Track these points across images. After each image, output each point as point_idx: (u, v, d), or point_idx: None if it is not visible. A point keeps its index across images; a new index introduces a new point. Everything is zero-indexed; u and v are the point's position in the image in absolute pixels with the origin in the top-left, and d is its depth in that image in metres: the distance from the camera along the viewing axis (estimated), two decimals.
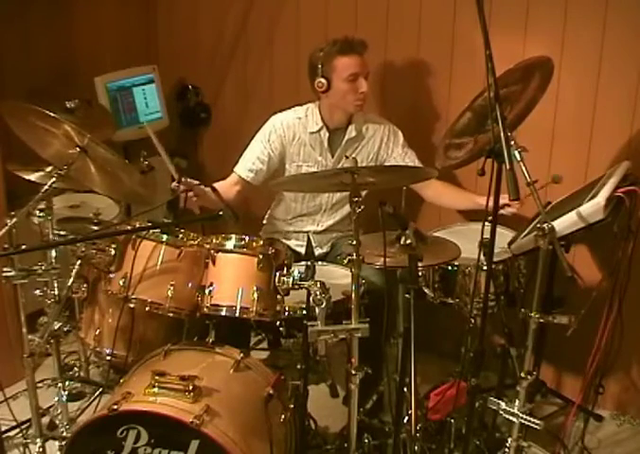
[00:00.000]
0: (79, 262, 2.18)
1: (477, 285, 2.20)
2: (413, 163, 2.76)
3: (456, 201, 2.81)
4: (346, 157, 2.60)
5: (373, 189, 2.65)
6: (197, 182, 2.48)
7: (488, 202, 1.85)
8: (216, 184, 2.60)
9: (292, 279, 2.06)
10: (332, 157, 2.72)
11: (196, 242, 2.18)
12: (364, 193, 2.66)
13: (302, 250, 2.76)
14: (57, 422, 2.36)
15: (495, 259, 2.02)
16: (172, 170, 2.39)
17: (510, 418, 1.99)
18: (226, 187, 2.68)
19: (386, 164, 2.75)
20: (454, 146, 2.31)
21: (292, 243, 2.80)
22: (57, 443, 2.32)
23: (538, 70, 2.17)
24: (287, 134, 2.69)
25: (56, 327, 2.14)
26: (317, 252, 2.81)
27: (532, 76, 2.16)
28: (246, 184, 2.72)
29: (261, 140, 2.70)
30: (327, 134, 2.69)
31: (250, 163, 2.70)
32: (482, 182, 1.86)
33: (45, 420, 2.46)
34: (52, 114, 1.99)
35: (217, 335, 2.17)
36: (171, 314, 2.15)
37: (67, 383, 2.39)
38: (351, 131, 2.70)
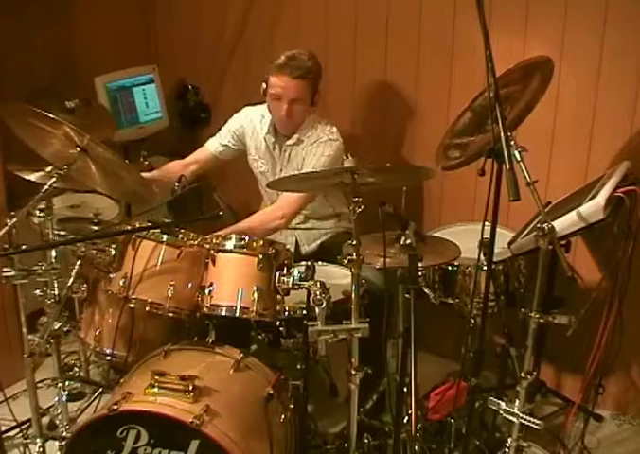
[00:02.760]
0: (79, 262, 2.17)
1: (477, 285, 2.20)
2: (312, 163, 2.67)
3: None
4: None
5: (373, 189, 2.68)
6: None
7: (488, 202, 1.85)
8: (169, 164, 2.83)
9: (292, 279, 2.06)
10: (274, 160, 2.76)
11: (196, 242, 2.18)
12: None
13: (291, 247, 2.78)
14: (57, 422, 2.35)
15: (495, 259, 2.02)
16: None
17: (510, 418, 1.99)
18: (179, 167, 2.78)
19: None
20: (454, 146, 2.31)
21: (281, 239, 2.81)
22: (57, 443, 2.32)
23: (538, 70, 2.17)
24: (248, 127, 2.79)
25: (56, 327, 2.13)
26: (304, 249, 2.83)
27: (532, 76, 2.16)
28: (211, 160, 2.85)
29: (230, 123, 2.84)
30: (272, 138, 2.73)
31: (219, 139, 2.84)
32: (482, 182, 1.86)
33: (45, 420, 2.46)
34: (51, 116, 1.99)
35: (217, 335, 2.18)
36: (171, 314, 2.15)
37: (67, 383, 2.39)
38: (294, 138, 2.70)
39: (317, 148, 2.65)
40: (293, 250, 2.80)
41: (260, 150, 2.79)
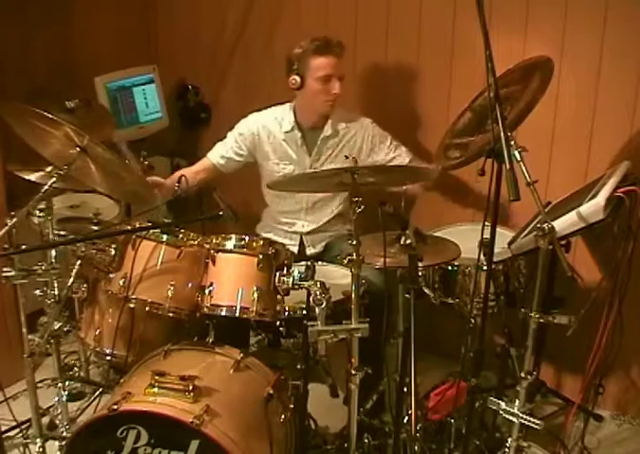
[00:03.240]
0: (79, 262, 2.17)
1: (477, 285, 2.20)
2: (402, 157, 2.76)
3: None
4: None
5: (373, 189, 2.68)
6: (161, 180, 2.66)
7: (488, 202, 1.85)
8: (179, 171, 2.76)
9: (292, 279, 2.06)
10: (309, 156, 2.73)
11: (196, 242, 2.18)
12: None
13: (294, 249, 2.78)
14: (57, 422, 2.35)
15: (495, 259, 2.02)
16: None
17: (510, 418, 1.99)
18: (189, 174, 2.73)
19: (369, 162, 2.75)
20: (454, 146, 2.31)
21: (284, 242, 2.81)
22: (57, 443, 2.32)
23: (538, 70, 2.17)
24: (261, 133, 2.75)
25: (56, 327, 2.13)
26: (309, 251, 2.82)
27: (532, 76, 2.16)
28: (215, 171, 2.83)
29: (235, 135, 2.80)
30: (299, 134, 2.71)
31: (224, 151, 2.81)
32: (482, 182, 1.86)
33: (45, 420, 2.46)
34: (51, 116, 1.99)
35: (217, 335, 2.18)
36: (171, 314, 2.15)
37: (67, 383, 2.39)
38: (327, 130, 2.71)
39: (376, 136, 2.72)
40: (296, 252, 2.82)
41: (280, 152, 2.75)
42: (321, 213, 2.83)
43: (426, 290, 2.44)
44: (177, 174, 2.73)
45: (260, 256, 2.09)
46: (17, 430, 2.45)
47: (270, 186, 2.37)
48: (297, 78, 2.58)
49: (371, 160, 2.74)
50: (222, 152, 2.81)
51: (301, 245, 2.81)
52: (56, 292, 2.16)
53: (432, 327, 2.72)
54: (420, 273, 2.39)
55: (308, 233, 2.84)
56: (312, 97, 2.62)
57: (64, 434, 2.27)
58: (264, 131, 2.75)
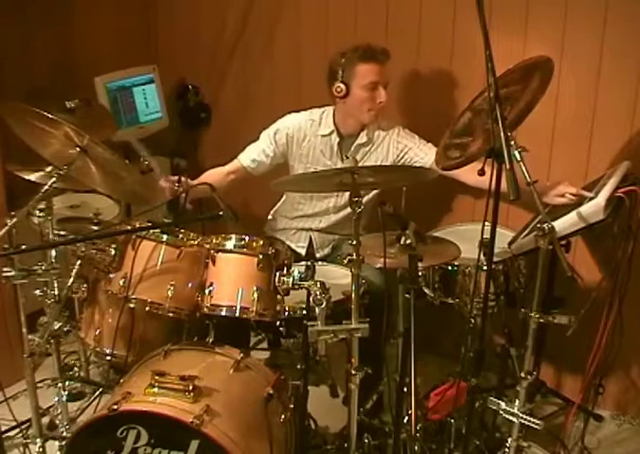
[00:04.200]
0: (79, 262, 2.18)
1: (477, 285, 2.20)
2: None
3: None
4: (347, 157, 2.60)
5: (373, 189, 2.68)
6: (195, 182, 2.56)
7: (488, 202, 1.85)
8: (211, 171, 2.74)
9: (292, 279, 2.06)
10: (342, 162, 2.70)
11: (196, 242, 2.18)
12: (368, 196, 2.67)
13: (302, 251, 2.77)
14: (57, 422, 2.36)
15: (495, 259, 2.02)
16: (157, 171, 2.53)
17: (510, 418, 1.98)
18: (222, 174, 2.74)
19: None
20: (454, 146, 2.31)
21: (292, 244, 2.80)
22: (57, 443, 2.32)
23: (538, 70, 2.17)
24: (296, 135, 2.70)
25: (56, 327, 2.14)
26: (318, 254, 2.81)
27: (532, 76, 2.16)
28: (245, 174, 2.77)
29: (269, 135, 2.73)
30: (337, 139, 2.68)
31: (255, 154, 2.75)
32: (482, 182, 1.86)
33: (45, 420, 2.46)
34: (51, 116, 1.99)
35: (217, 335, 2.18)
36: (171, 314, 2.15)
37: (67, 383, 2.39)
38: (362, 137, 2.69)
39: (404, 141, 2.70)
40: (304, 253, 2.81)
41: (313, 156, 2.71)
42: (340, 213, 2.80)
43: (426, 290, 2.44)
44: (208, 174, 2.74)
45: (260, 256, 2.09)
46: (17, 430, 2.46)
47: (273, 186, 2.37)
48: (342, 86, 2.54)
49: (409, 163, 2.73)
50: (253, 155, 2.75)
51: (310, 246, 2.81)
52: (56, 292, 2.16)
53: (432, 327, 2.72)
54: (420, 273, 2.39)
55: (320, 230, 2.83)
56: (358, 106, 2.59)
57: (64, 434, 2.27)
58: (300, 133, 2.71)
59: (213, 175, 2.75)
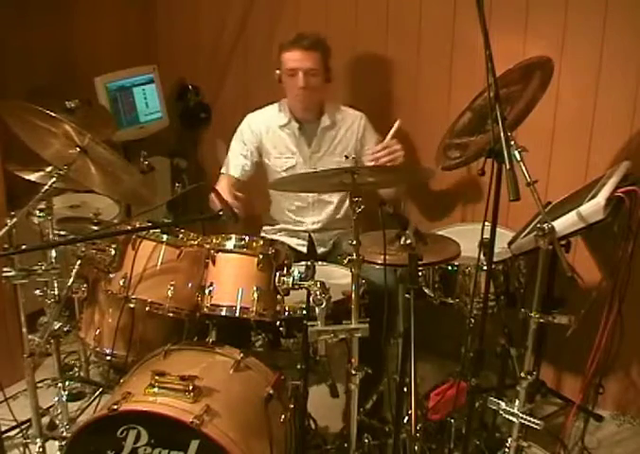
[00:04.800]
0: (79, 262, 2.17)
1: (477, 285, 2.20)
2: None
3: None
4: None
5: (373, 189, 2.68)
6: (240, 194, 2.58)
7: (488, 202, 1.85)
8: (221, 191, 2.65)
9: (292, 279, 2.06)
10: (309, 146, 2.76)
11: (196, 242, 2.18)
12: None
13: (303, 249, 2.77)
14: (57, 422, 2.35)
15: (495, 259, 2.02)
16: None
17: (510, 418, 1.98)
18: (226, 193, 2.68)
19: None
20: (454, 146, 2.31)
21: (292, 242, 2.80)
22: (57, 443, 2.32)
23: (538, 70, 2.17)
24: (261, 129, 2.78)
25: (56, 327, 2.13)
26: (319, 250, 2.82)
27: (532, 76, 2.16)
28: (237, 183, 2.78)
29: (238, 139, 2.81)
30: (296, 125, 2.74)
31: (236, 161, 2.80)
32: (482, 182, 1.86)
33: (45, 420, 2.46)
34: (52, 114, 1.98)
35: (217, 335, 2.17)
36: (171, 314, 2.15)
37: (67, 383, 2.40)
38: (325, 121, 2.75)
39: (367, 127, 2.76)
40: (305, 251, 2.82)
41: (282, 146, 2.78)
42: (328, 209, 2.84)
43: (426, 290, 2.44)
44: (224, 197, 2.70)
45: (260, 256, 2.09)
46: (17, 430, 2.45)
47: (270, 187, 2.37)
48: (277, 72, 2.67)
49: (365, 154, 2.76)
50: (235, 163, 2.79)
51: (310, 243, 2.82)
52: (56, 292, 2.16)
53: (432, 327, 2.72)
54: (420, 273, 2.39)
55: (316, 231, 2.84)
56: (287, 91, 2.70)
57: (64, 434, 2.27)
58: (263, 127, 2.78)
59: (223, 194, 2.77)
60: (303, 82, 2.59)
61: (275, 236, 2.85)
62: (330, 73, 2.69)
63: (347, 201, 2.73)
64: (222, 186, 2.66)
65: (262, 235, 2.92)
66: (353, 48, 3.05)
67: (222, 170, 2.82)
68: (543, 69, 2.16)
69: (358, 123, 2.79)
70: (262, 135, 2.78)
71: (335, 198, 2.82)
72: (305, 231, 2.83)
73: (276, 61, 2.66)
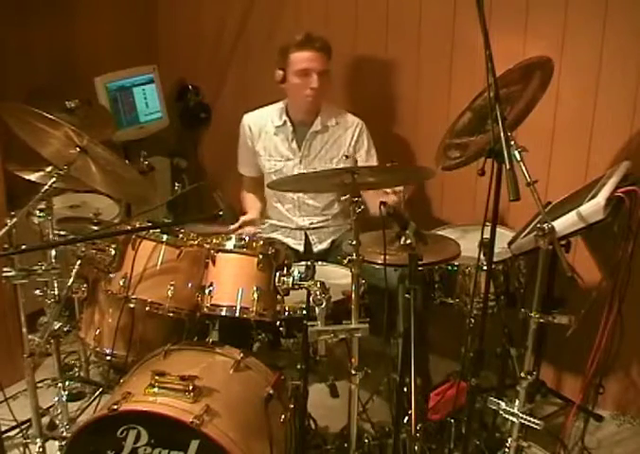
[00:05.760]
0: (79, 262, 2.17)
1: (477, 285, 2.20)
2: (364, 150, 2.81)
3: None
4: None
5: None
6: (253, 229, 2.66)
7: (488, 202, 1.85)
8: (247, 200, 2.90)
9: (292, 279, 2.06)
10: (299, 150, 2.76)
11: (196, 242, 2.18)
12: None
13: (299, 247, 2.79)
14: (57, 422, 2.35)
15: (495, 259, 2.02)
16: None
17: (510, 418, 1.98)
18: (254, 197, 2.90)
19: None
20: (454, 146, 2.31)
21: (289, 241, 2.81)
22: (57, 443, 2.32)
23: (538, 70, 2.17)
24: (254, 130, 2.80)
25: (56, 327, 2.13)
26: (317, 248, 2.83)
27: (532, 76, 2.16)
28: (256, 180, 2.89)
29: (241, 138, 2.86)
30: (290, 128, 2.75)
31: (244, 160, 2.89)
32: (482, 181, 1.86)
33: (45, 420, 2.46)
34: (51, 117, 1.98)
35: (220, 335, 2.18)
36: (171, 314, 2.15)
37: (67, 383, 2.39)
38: (317, 125, 2.74)
39: (362, 135, 2.76)
40: (303, 249, 2.83)
41: (271, 149, 2.79)
42: (316, 208, 2.84)
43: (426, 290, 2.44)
44: (250, 205, 2.88)
45: (260, 256, 2.09)
46: (17, 430, 2.45)
47: (270, 186, 2.38)
48: (280, 73, 2.65)
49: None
50: (244, 163, 2.90)
51: (307, 242, 2.83)
52: (56, 292, 2.16)
53: (432, 327, 2.72)
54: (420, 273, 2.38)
55: (311, 228, 2.85)
56: (294, 92, 2.67)
57: (64, 434, 2.27)
58: (256, 128, 2.80)
59: (251, 202, 2.90)
60: (317, 83, 2.59)
61: (271, 235, 2.86)
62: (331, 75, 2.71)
63: (336, 198, 2.80)
64: (245, 195, 2.86)
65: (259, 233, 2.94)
66: (353, 48, 3.05)
67: (240, 171, 2.91)
68: (543, 69, 2.16)
69: (353, 130, 2.77)
70: (256, 136, 2.80)
71: (322, 202, 2.83)
72: (300, 229, 2.84)
73: (279, 62, 2.64)
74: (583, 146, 2.63)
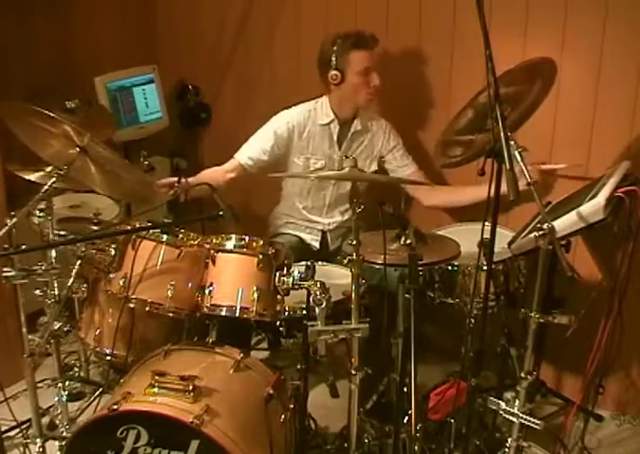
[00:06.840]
0: (79, 262, 2.17)
1: (477, 285, 2.20)
2: (412, 172, 2.81)
3: (455, 197, 2.82)
4: (346, 157, 2.60)
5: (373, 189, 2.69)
6: (194, 182, 2.56)
7: (488, 201, 1.85)
8: (208, 170, 2.76)
9: (292, 279, 2.06)
10: (339, 149, 2.76)
11: (196, 242, 2.18)
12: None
13: (316, 243, 2.87)
14: (57, 422, 2.35)
15: (495, 259, 2.02)
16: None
17: (510, 418, 1.98)
18: (220, 173, 2.75)
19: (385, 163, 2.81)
20: (455, 143, 2.31)
21: (307, 237, 2.86)
22: (57, 443, 2.32)
23: (540, 71, 2.17)
24: (297, 127, 2.74)
25: (56, 327, 2.13)
26: (333, 245, 2.89)
27: (535, 77, 2.15)
28: (243, 172, 2.78)
29: (268, 132, 2.75)
30: (337, 127, 2.74)
31: (253, 151, 2.76)
32: (482, 181, 1.86)
33: (45, 420, 2.46)
34: (52, 115, 1.98)
35: (218, 335, 2.18)
36: (171, 314, 2.15)
37: (67, 383, 2.39)
38: (357, 125, 2.76)
39: (392, 134, 2.81)
40: (318, 246, 2.88)
41: (313, 147, 2.76)
42: (342, 208, 2.86)
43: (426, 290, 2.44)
44: (206, 173, 2.74)
45: (260, 256, 2.09)
46: (17, 430, 2.45)
47: (271, 176, 2.38)
48: (338, 73, 2.62)
49: (387, 161, 2.82)
50: (251, 153, 2.76)
51: (324, 242, 2.85)
52: (56, 292, 2.16)
53: (432, 327, 2.72)
54: (420, 273, 2.38)
55: (332, 230, 2.88)
56: (354, 92, 2.66)
57: (64, 434, 2.27)
58: (300, 125, 2.75)
59: (211, 174, 2.76)
60: (378, 80, 2.63)
61: (288, 231, 2.89)
62: None
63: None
64: (214, 169, 2.75)
65: (271, 229, 2.97)
66: None
67: (236, 156, 2.79)
68: (546, 70, 2.16)
69: (384, 130, 2.80)
70: (299, 134, 2.75)
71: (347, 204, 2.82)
72: (320, 230, 2.87)
73: (333, 63, 2.60)
74: (583, 146, 2.63)
